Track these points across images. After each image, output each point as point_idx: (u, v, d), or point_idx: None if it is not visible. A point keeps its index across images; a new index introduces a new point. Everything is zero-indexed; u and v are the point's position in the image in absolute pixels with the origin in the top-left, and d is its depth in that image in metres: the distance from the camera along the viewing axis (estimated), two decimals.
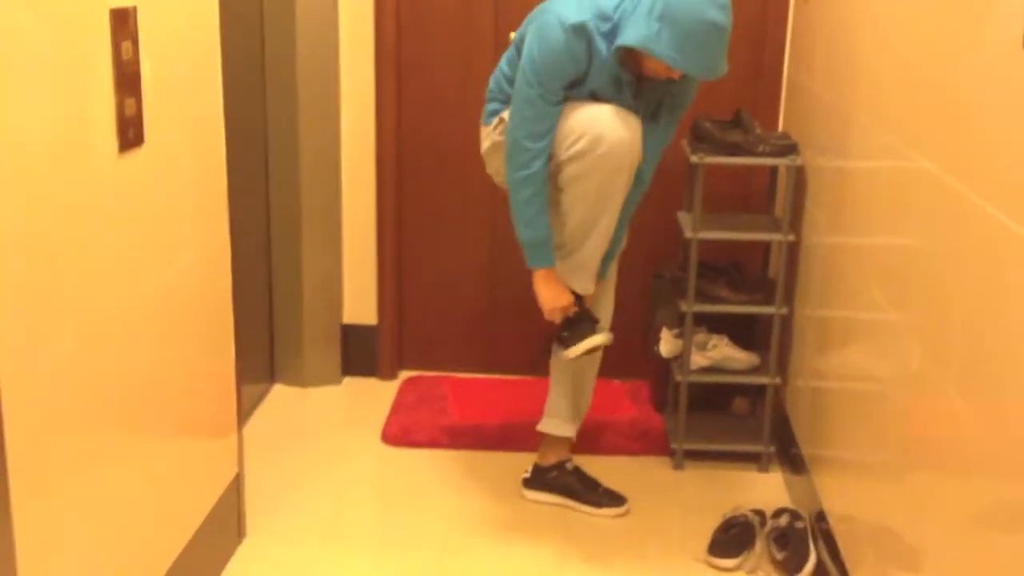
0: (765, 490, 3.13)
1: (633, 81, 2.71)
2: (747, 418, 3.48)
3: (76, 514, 1.89)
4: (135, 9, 2.00)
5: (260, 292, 3.67)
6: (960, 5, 1.92)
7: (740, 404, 3.54)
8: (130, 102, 2.00)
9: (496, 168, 2.92)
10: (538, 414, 3.12)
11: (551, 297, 2.83)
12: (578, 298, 2.88)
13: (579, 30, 2.60)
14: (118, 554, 2.07)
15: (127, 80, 1.99)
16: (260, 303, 3.68)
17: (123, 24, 1.96)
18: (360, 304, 3.85)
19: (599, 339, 2.86)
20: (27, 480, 1.70)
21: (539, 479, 3.08)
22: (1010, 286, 1.60)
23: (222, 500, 2.62)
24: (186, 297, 2.36)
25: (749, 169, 3.51)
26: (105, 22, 1.90)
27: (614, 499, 3.03)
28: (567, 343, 2.87)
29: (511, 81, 2.77)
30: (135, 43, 2.01)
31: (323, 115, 3.61)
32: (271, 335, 3.79)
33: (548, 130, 2.68)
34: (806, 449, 3.00)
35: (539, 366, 3.39)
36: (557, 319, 2.86)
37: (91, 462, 1.94)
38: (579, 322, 2.87)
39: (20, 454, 1.67)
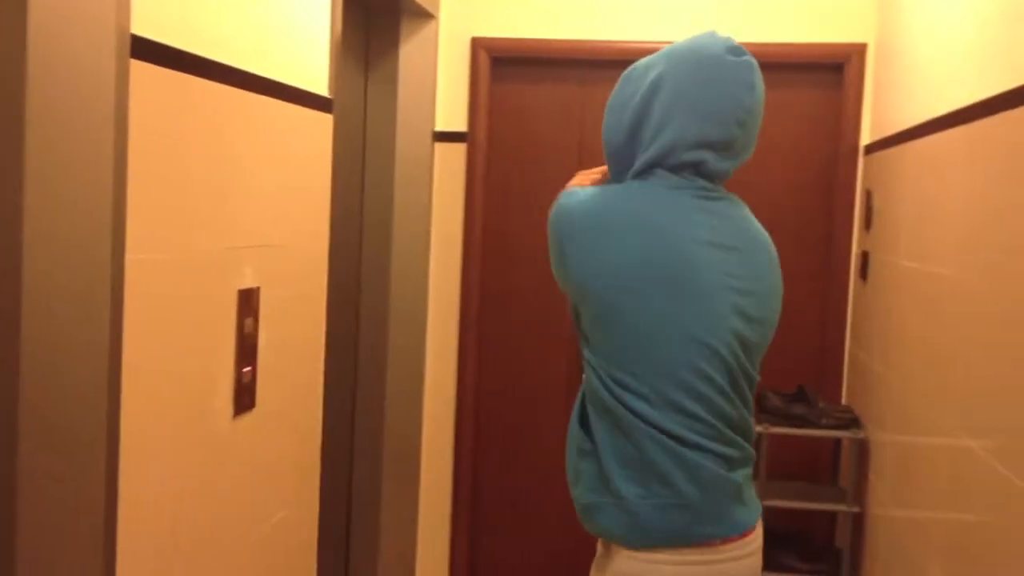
0: None
1: None
2: None
3: None
4: (259, 289, 2.26)
5: (337, 548, 3.80)
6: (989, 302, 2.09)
7: None
8: (247, 371, 2.24)
9: None
10: None
11: None
12: None
13: None
14: None
15: (246, 351, 2.23)
16: (336, 560, 3.79)
17: (248, 302, 2.22)
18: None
19: None
20: None
21: None
22: None
23: None
24: (277, 551, 2.50)
25: (813, 440, 3.62)
26: (233, 301, 2.16)
27: None
28: None
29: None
30: (256, 319, 2.26)
31: (409, 374, 3.86)
32: None
33: None
34: None
35: None
36: None
37: None
38: None
39: None
